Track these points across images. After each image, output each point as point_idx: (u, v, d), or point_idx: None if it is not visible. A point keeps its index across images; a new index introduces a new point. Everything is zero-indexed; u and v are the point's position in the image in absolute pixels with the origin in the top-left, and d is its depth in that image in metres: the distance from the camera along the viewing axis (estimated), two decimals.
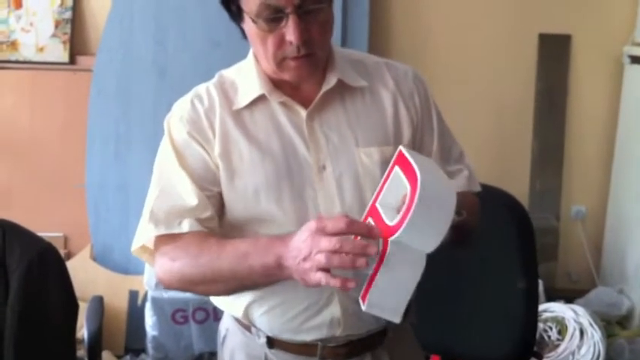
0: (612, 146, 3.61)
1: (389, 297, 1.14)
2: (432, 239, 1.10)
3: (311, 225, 1.14)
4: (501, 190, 1.95)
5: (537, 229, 1.95)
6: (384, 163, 1.37)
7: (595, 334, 2.93)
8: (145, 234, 1.35)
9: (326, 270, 1.11)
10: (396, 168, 1.18)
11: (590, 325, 2.96)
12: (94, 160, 3.24)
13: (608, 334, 3.06)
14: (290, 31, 1.26)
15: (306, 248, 1.13)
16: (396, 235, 1.09)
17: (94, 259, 3.27)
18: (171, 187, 1.35)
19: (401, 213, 1.09)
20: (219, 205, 1.37)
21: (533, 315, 1.86)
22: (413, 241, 1.09)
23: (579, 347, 2.93)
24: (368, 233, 1.12)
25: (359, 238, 1.13)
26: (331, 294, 1.35)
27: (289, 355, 1.41)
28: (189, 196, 1.33)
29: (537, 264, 1.87)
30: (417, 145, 1.44)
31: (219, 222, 1.38)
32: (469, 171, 1.48)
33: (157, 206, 1.34)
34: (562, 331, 3.00)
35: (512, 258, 1.84)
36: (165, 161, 1.38)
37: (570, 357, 2.92)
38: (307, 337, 1.39)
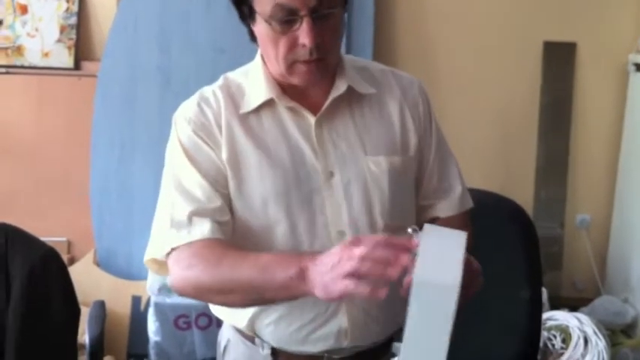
0: (617, 154, 3.60)
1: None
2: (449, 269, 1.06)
3: (345, 241, 1.12)
4: (506, 199, 1.95)
5: (542, 238, 1.93)
6: (392, 172, 1.36)
7: (599, 343, 2.91)
8: (167, 241, 1.30)
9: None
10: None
11: (595, 333, 2.94)
12: (98, 165, 3.24)
13: (613, 343, 3.04)
14: (304, 34, 1.24)
15: (335, 258, 1.09)
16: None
17: (98, 264, 3.27)
18: (189, 192, 1.31)
19: None
20: (231, 210, 1.34)
21: (536, 324, 1.85)
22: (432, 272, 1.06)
23: (583, 356, 2.91)
24: (402, 247, 1.07)
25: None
26: (339, 303, 1.33)
27: None
28: (209, 198, 1.30)
29: (542, 273, 1.86)
30: (419, 157, 1.43)
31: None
32: (462, 187, 1.48)
33: (178, 211, 1.30)
34: (566, 339, 2.98)
35: (517, 266, 1.83)
36: (177, 165, 1.35)
37: None
38: (313, 348, 1.37)
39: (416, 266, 1.04)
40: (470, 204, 1.49)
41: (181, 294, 1.30)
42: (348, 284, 1.06)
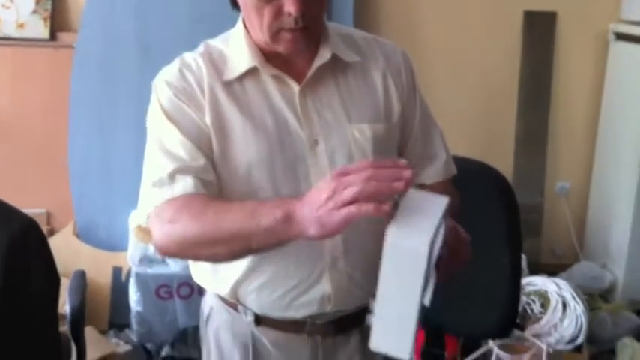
0: (596, 122, 3.63)
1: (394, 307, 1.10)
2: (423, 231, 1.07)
3: (331, 174, 1.09)
4: (487, 166, 1.96)
5: (522, 206, 1.95)
6: (376, 140, 1.36)
7: (577, 307, 2.95)
8: (150, 201, 1.28)
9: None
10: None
11: (573, 298, 2.98)
12: (77, 136, 3.21)
13: (591, 308, 3.09)
14: (289, 3, 1.23)
15: (328, 190, 1.06)
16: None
17: (78, 235, 3.26)
18: (171, 151, 1.29)
19: None
20: (215, 172, 1.32)
21: (516, 288, 1.87)
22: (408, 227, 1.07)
23: (562, 320, 2.95)
24: (395, 166, 1.06)
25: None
26: (322, 269, 1.34)
27: (276, 332, 1.41)
28: (193, 157, 1.29)
29: (522, 238, 1.88)
30: (402, 124, 1.43)
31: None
32: (446, 155, 1.48)
33: (161, 171, 1.28)
34: (545, 304, 3.01)
35: (497, 232, 1.85)
36: (159, 127, 1.33)
37: (553, 329, 2.94)
38: (296, 313, 1.38)
39: (391, 226, 1.05)
40: (454, 171, 1.50)
41: (165, 252, 1.29)
42: (350, 209, 1.04)
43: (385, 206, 1.03)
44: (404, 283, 1.07)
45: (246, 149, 1.32)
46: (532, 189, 3.64)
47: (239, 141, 1.32)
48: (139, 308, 3.02)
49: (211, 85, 1.33)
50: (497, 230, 1.84)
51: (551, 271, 3.31)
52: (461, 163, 1.54)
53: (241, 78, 1.35)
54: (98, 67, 3.17)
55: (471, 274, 1.85)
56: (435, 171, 1.46)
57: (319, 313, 1.38)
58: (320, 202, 1.07)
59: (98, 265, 3.17)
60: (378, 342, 1.11)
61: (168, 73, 1.37)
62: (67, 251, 3.14)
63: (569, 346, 2.92)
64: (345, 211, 1.04)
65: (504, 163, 3.52)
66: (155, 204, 1.27)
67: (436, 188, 1.41)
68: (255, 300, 1.38)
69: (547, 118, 3.62)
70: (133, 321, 3.05)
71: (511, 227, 1.86)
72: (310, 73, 1.35)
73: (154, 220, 1.27)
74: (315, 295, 1.36)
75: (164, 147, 1.31)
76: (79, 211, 3.25)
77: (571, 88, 3.63)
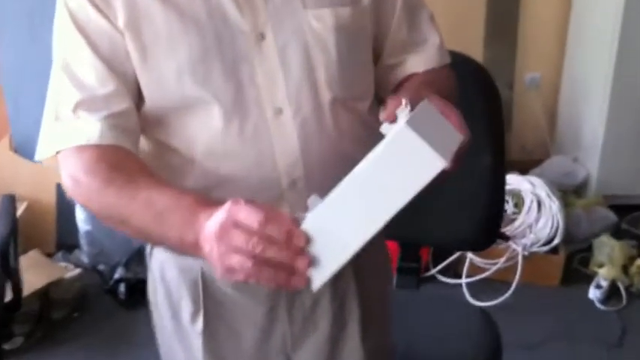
0: (568, 11, 3.43)
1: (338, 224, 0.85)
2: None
3: (225, 206, 0.87)
4: (463, 55, 1.75)
5: None
6: (340, 30, 1.12)
7: (553, 206, 2.82)
8: (53, 140, 1.08)
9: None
10: None
11: (548, 196, 2.84)
12: (7, 45, 2.98)
13: (565, 204, 2.96)
14: None
15: (219, 243, 0.86)
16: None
17: (15, 150, 3.05)
18: (77, 76, 1.08)
19: None
20: (137, 91, 1.11)
21: (499, 193, 1.70)
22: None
23: (537, 220, 2.82)
24: (287, 238, 0.84)
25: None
26: (280, 195, 1.12)
27: None
28: (102, 81, 1.07)
29: (504, 135, 1.69)
30: (377, 5, 1.19)
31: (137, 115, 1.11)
32: (439, 39, 1.25)
33: (63, 100, 1.08)
34: (518, 204, 2.87)
35: (478, 130, 1.65)
36: (64, 39, 1.10)
37: (528, 231, 2.81)
38: None
39: (410, 114, 0.86)
40: (447, 58, 1.27)
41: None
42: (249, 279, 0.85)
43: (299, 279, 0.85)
44: (382, 194, 0.83)
45: (173, 52, 1.07)
46: (501, 81, 3.46)
47: (164, 42, 1.07)
48: (88, 227, 2.86)
49: None
50: (478, 129, 1.65)
51: (522, 168, 3.17)
52: None
53: None
54: None
55: (449, 179, 1.68)
56: (427, 56, 1.23)
57: None
58: (213, 252, 0.87)
59: (40, 183, 2.98)
60: None
61: None
62: (5, 168, 2.97)
63: (546, 248, 2.80)
64: (236, 276, 0.86)
65: (472, 54, 3.33)
66: (57, 148, 1.08)
67: (430, 78, 1.20)
68: None
69: (517, 6, 3.41)
70: (83, 242, 2.91)
71: (494, 124, 1.66)
72: None
73: (61, 164, 1.08)
74: None
75: (70, 68, 1.09)
76: (16, 124, 3.05)
77: None
